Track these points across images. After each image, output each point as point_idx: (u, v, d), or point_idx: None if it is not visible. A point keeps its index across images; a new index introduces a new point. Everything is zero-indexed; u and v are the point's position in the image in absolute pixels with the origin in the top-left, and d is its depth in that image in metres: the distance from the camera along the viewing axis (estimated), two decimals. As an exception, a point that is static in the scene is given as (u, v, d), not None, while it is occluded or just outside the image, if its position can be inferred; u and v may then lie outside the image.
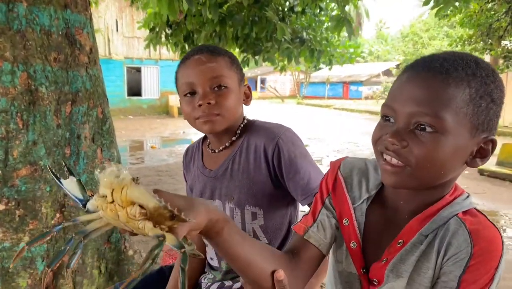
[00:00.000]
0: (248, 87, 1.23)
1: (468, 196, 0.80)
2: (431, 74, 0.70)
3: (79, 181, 0.72)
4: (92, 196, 0.68)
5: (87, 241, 0.67)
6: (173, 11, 3.24)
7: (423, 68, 0.72)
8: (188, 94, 1.13)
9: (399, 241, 0.78)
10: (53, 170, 0.75)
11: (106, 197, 0.62)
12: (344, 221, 0.87)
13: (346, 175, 0.90)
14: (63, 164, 0.76)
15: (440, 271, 0.74)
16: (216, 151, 1.22)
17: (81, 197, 0.71)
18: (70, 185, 0.72)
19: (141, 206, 0.62)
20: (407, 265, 0.77)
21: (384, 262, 0.79)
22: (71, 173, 0.72)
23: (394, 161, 0.72)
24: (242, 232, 0.80)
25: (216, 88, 1.10)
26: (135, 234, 0.68)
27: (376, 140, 0.76)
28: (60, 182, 0.72)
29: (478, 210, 0.78)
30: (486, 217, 0.77)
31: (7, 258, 1.78)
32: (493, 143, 0.73)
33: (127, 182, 0.60)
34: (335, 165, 0.93)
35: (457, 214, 0.75)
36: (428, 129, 0.69)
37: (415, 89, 0.71)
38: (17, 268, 1.80)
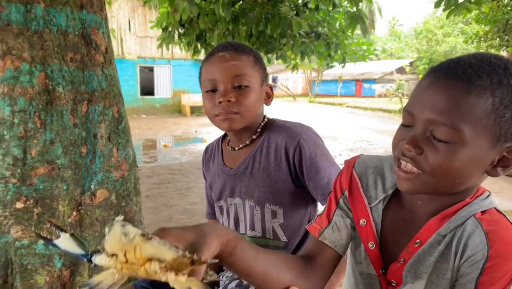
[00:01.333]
0: (270, 87, 1.22)
1: (488, 195, 0.77)
2: (453, 81, 0.67)
3: (72, 235, 0.66)
4: (96, 251, 0.63)
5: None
6: (172, 5, 3.28)
7: (445, 74, 0.69)
8: (210, 91, 1.12)
9: (417, 241, 0.77)
10: (40, 234, 0.71)
11: (117, 255, 0.59)
12: (361, 222, 0.86)
13: (361, 174, 0.89)
14: (50, 223, 0.72)
15: (457, 273, 0.72)
16: (236, 148, 1.22)
17: (82, 252, 0.65)
18: (65, 243, 0.66)
19: (159, 260, 0.59)
20: (425, 266, 0.75)
21: (401, 262, 0.78)
22: (61, 230, 0.66)
23: (409, 166, 0.71)
24: (255, 246, 0.79)
25: (237, 87, 1.10)
26: None
27: (395, 146, 0.75)
28: (54, 243, 0.66)
29: (498, 210, 0.76)
30: (506, 217, 0.74)
31: (25, 255, 1.80)
32: None
33: (138, 240, 0.58)
34: (350, 164, 0.91)
35: (475, 214, 0.73)
36: (444, 140, 0.67)
37: (434, 96, 0.68)
38: (36, 265, 1.82)
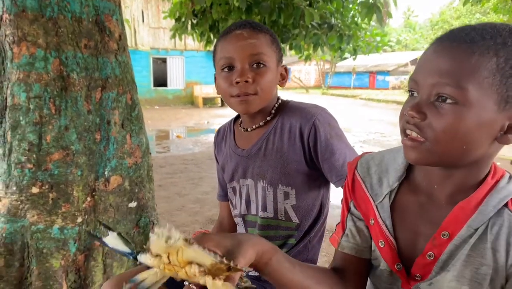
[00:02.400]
0: (285, 68, 1.21)
1: (510, 177, 0.74)
2: (456, 44, 0.66)
3: (119, 234, 0.73)
4: (142, 250, 0.69)
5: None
6: None
7: (448, 38, 0.68)
8: (226, 69, 1.11)
9: (443, 232, 0.73)
10: (91, 232, 0.76)
11: (161, 256, 0.65)
12: (370, 221, 0.85)
13: (364, 174, 0.87)
14: (100, 223, 0.78)
15: (507, 272, 0.69)
16: (249, 129, 1.22)
17: (128, 250, 0.72)
18: (113, 241, 0.74)
19: (198, 264, 0.64)
20: (455, 260, 0.72)
21: (431, 258, 0.75)
22: (109, 229, 0.74)
23: (414, 134, 0.69)
24: (291, 259, 0.80)
25: (255, 66, 1.09)
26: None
27: (401, 116, 0.73)
28: (103, 241, 0.74)
29: None
30: None
31: (41, 240, 1.83)
32: None
33: (181, 244, 0.62)
34: (352, 166, 0.90)
35: (507, 203, 0.70)
36: (449, 100, 0.65)
37: (438, 60, 0.67)
38: (51, 249, 1.85)
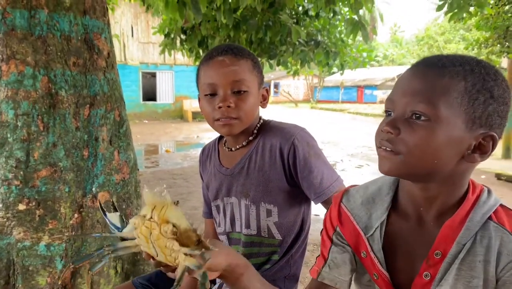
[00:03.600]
0: (267, 90, 1.25)
1: (489, 192, 0.79)
2: (429, 68, 0.73)
3: (121, 216, 0.84)
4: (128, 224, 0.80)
5: (113, 255, 0.78)
6: (181, 16, 3.31)
7: (422, 63, 0.75)
8: (209, 95, 1.15)
9: (436, 252, 0.77)
10: (102, 206, 0.87)
11: (145, 216, 0.72)
12: (362, 254, 0.86)
13: (351, 207, 0.90)
14: (112, 204, 0.88)
15: (497, 283, 0.73)
16: (233, 149, 1.25)
17: (119, 226, 0.83)
18: (112, 217, 0.84)
19: (174, 225, 0.70)
20: (448, 275, 0.76)
21: (428, 278, 0.78)
22: (115, 210, 0.86)
23: (388, 148, 0.74)
24: (262, 280, 0.82)
25: (236, 92, 1.12)
26: (161, 264, 0.76)
27: (377, 134, 0.78)
28: (105, 214, 0.85)
29: (504, 206, 0.78)
30: None
31: (27, 257, 1.83)
32: (493, 140, 0.72)
33: (168, 202, 0.69)
34: (337, 199, 0.93)
35: (491, 216, 0.75)
36: (422, 117, 0.70)
37: (413, 81, 0.73)
38: (37, 266, 1.85)
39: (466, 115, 0.70)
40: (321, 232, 0.96)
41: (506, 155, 8.92)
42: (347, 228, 0.89)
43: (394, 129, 0.72)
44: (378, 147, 0.77)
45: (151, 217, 0.70)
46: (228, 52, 1.15)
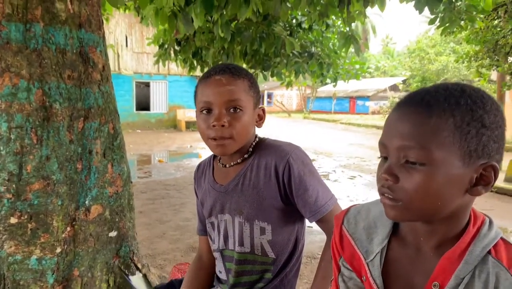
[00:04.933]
0: (263, 110, 1.26)
1: (490, 223, 0.78)
2: (413, 108, 0.71)
3: (144, 276, 0.78)
4: None
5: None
6: (172, 27, 3.33)
7: (406, 103, 0.74)
8: (205, 112, 1.17)
9: (434, 283, 0.76)
10: (122, 268, 0.82)
11: None
12: (362, 278, 0.86)
13: (352, 231, 0.89)
14: (130, 260, 0.84)
15: None
16: (227, 166, 1.26)
17: None
18: (136, 281, 0.78)
19: None
20: None
21: None
22: (137, 269, 0.79)
23: (390, 196, 0.73)
24: None
25: (231, 110, 1.14)
26: None
27: (378, 180, 0.77)
28: (129, 278, 0.78)
29: (504, 239, 0.77)
30: None
31: (18, 271, 1.81)
32: (494, 169, 0.71)
33: None
34: (338, 221, 0.92)
35: (490, 251, 0.74)
36: (417, 163, 0.69)
37: (400, 124, 0.72)
38: (28, 281, 1.83)
39: (461, 152, 0.68)
40: (325, 245, 0.95)
41: (496, 167, 8.98)
42: (348, 252, 0.88)
43: (392, 177, 0.72)
44: (380, 194, 0.76)
45: None
46: (225, 71, 1.16)
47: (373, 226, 0.87)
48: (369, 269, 0.84)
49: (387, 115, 0.78)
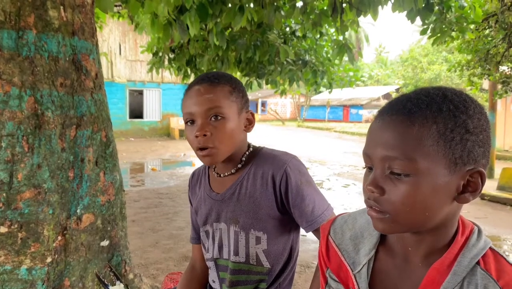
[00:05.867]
0: (252, 113, 1.25)
1: (479, 232, 0.76)
2: (395, 116, 0.70)
3: (126, 286, 0.77)
4: None
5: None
6: (167, 36, 3.33)
7: (388, 112, 0.72)
8: (189, 123, 1.17)
9: None
10: (100, 277, 0.80)
11: None
12: None
13: (338, 241, 0.87)
14: (110, 269, 0.82)
15: None
16: (222, 175, 1.25)
17: None
18: None
19: None
20: None
21: None
22: (117, 278, 0.77)
23: (376, 208, 0.71)
24: None
25: (213, 119, 1.13)
26: None
27: (364, 190, 0.75)
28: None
29: (493, 249, 0.75)
30: (504, 257, 0.74)
31: (7, 281, 1.78)
32: (481, 175, 0.69)
33: None
34: (325, 231, 0.90)
35: (479, 261, 0.72)
36: (402, 174, 0.68)
37: (383, 134, 0.70)
38: (18, 291, 1.79)
39: (446, 160, 0.67)
40: (317, 257, 0.93)
41: (489, 175, 9.07)
42: (335, 263, 0.86)
43: (378, 189, 0.70)
44: (367, 206, 0.74)
45: None
46: (204, 80, 1.17)
47: (360, 236, 0.86)
48: (356, 281, 0.82)
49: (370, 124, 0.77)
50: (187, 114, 1.16)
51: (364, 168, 0.77)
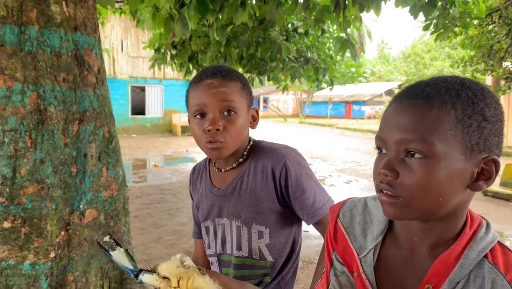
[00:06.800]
0: (256, 110, 1.25)
1: (488, 226, 0.76)
2: (413, 100, 0.69)
3: (126, 251, 0.78)
4: (146, 270, 0.75)
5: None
6: (168, 30, 3.31)
7: (405, 96, 0.71)
8: (199, 116, 1.15)
9: (427, 286, 0.73)
10: (101, 243, 0.80)
11: (168, 279, 0.70)
12: (354, 274, 0.83)
13: (347, 225, 0.86)
14: (109, 236, 0.82)
15: None
16: (223, 170, 1.25)
17: (131, 267, 0.77)
18: (118, 256, 0.78)
19: None
20: None
21: None
22: (117, 244, 0.79)
23: (389, 192, 0.70)
24: None
25: (225, 113, 1.12)
26: None
27: (375, 176, 0.74)
28: (109, 254, 0.79)
29: (501, 244, 0.74)
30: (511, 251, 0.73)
31: (11, 276, 1.78)
32: (495, 163, 0.69)
33: (194, 272, 0.68)
34: (334, 214, 0.89)
35: (486, 255, 0.71)
36: (417, 155, 0.67)
37: (400, 117, 0.70)
38: (21, 286, 1.80)
39: (463, 145, 0.66)
40: (322, 249, 0.93)
41: (491, 171, 9.02)
42: (341, 246, 0.85)
43: (392, 172, 0.69)
44: (378, 190, 0.73)
45: (178, 286, 0.69)
46: (217, 74, 1.15)
47: (369, 221, 0.85)
48: (361, 265, 0.81)
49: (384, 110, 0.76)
50: (198, 106, 1.14)
51: (375, 148, 0.76)
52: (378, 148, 0.75)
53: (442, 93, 0.68)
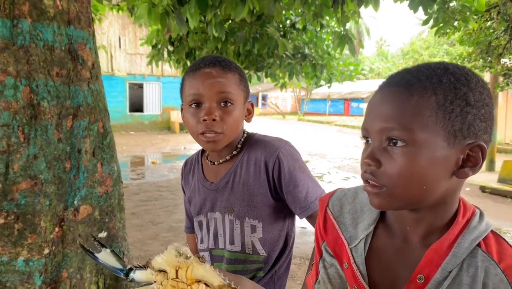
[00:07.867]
0: (252, 104, 1.24)
1: (481, 215, 0.74)
2: (394, 88, 0.69)
3: (112, 251, 0.75)
4: (136, 267, 0.72)
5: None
6: (164, 26, 3.28)
7: (387, 85, 0.71)
8: (194, 105, 1.12)
9: (419, 276, 0.71)
10: (85, 246, 0.78)
11: (165, 272, 0.67)
12: (344, 264, 0.81)
13: (337, 214, 0.85)
14: (93, 238, 0.79)
15: None
16: (216, 163, 1.23)
17: (120, 266, 0.74)
18: (105, 257, 0.75)
19: (205, 284, 0.66)
20: None
21: None
22: (102, 245, 0.76)
23: (373, 182, 0.70)
24: None
25: (222, 104, 1.10)
26: None
27: (361, 165, 0.73)
28: (95, 257, 0.75)
29: (495, 232, 0.73)
30: (504, 240, 0.72)
31: (4, 272, 1.76)
32: (482, 149, 0.67)
33: (193, 261, 0.65)
34: (323, 203, 0.88)
35: (479, 244, 0.70)
36: (399, 143, 0.66)
37: (381, 106, 0.69)
38: (15, 283, 1.78)
39: (445, 132, 0.65)
40: (313, 247, 0.92)
41: (490, 168, 9.05)
42: (331, 236, 0.84)
43: (375, 162, 0.68)
44: (364, 181, 0.73)
45: (176, 277, 0.66)
46: (215, 64, 1.13)
47: (360, 211, 0.83)
48: (352, 255, 0.80)
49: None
50: (194, 95, 1.11)
51: (361, 138, 0.75)
52: (364, 137, 0.74)
53: (423, 79, 0.67)
